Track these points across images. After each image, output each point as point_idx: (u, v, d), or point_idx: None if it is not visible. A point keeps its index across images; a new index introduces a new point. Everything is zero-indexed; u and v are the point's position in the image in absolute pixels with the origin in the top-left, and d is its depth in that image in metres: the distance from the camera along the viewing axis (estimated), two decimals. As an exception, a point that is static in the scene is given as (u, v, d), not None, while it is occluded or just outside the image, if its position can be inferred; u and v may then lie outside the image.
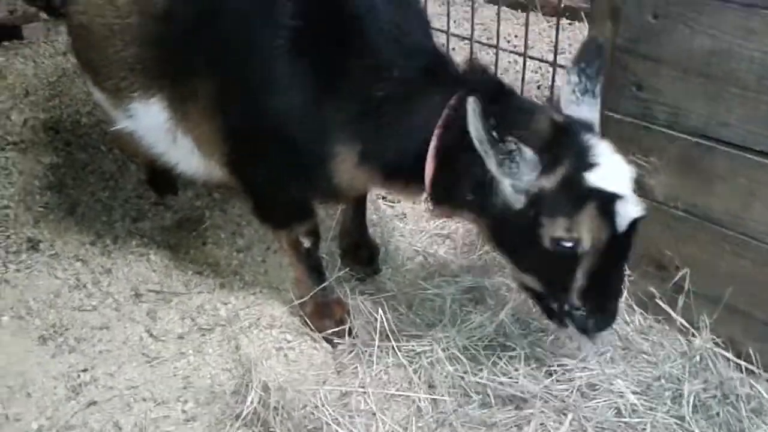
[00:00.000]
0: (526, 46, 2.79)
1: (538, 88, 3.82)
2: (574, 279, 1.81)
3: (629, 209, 1.72)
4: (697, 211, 2.11)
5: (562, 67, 3.12)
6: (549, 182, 1.75)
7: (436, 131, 1.94)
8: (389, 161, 2.05)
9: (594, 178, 1.72)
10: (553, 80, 2.69)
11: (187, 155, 2.31)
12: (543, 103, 1.96)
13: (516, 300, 2.18)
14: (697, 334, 2.09)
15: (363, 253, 2.67)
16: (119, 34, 2.24)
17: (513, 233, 1.87)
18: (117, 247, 2.84)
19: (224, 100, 2.11)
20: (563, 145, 1.76)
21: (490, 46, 3.63)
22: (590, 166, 1.73)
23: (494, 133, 1.70)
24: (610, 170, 1.74)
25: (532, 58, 2.96)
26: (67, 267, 2.74)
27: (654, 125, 2.15)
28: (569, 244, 1.75)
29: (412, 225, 2.89)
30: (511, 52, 3.30)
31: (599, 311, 1.85)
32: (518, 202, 1.80)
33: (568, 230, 1.74)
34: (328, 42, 2.01)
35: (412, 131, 1.99)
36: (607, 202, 1.72)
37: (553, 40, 4.45)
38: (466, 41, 3.22)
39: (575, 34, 4.31)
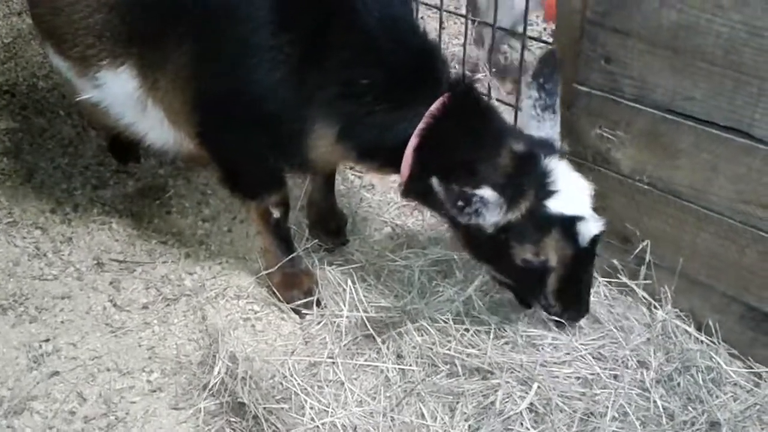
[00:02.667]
0: (495, 19, 2.78)
1: (506, 59, 3.81)
2: (545, 285, 1.98)
3: (590, 228, 1.89)
4: (662, 185, 2.15)
5: (532, 39, 3.14)
6: (514, 215, 1.88)
7: (417, 132, 1.98)
8: (366, 145, 2.07)
9: (555, 206, 1.87)
10: (523, 52, 2.69)
11: (156, 125, 2.25)
12: (508, 127, 2.06)
13: (484, 275, 2.19)
14: (659, 307, 2.14)
15: (331, 223, 2.65)
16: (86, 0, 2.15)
17: (485, 248, 2.01)
18: (78, 216, 2.78)
19: (199, 69, 2.05)
20: (525, 176, 1.89)
21: (459, 15, 3.61)
22: (551, 193, 1.87)
23: (460, 203, 1.80)
24: (569, 195, 1.89)
25: (501, 29, 2.95)
26: (26, 235, 2.67)
27: (622, 99, 2.16)
28: (538, 264, 1.92)
29: (380, 196, 2.88)
30: (480, 22, 3.28)
31: (572, 307, 2.02)
32: (488, 229, 1.91)
33: (535, 254, 1.92)
34: (313, 17, 1.97)
35: (392, 124, 2.01)
36: (568, 225, 1.88)
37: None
38: (435, 10, 3.19)
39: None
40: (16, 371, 2.13)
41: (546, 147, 1.97)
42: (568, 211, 1.87)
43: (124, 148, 2.99)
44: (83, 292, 2.43)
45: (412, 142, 1.99)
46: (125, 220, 2.77)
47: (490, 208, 1.84)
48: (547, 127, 2.02)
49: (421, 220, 2.73)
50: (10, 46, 3.97)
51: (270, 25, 1.96)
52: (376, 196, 2.89)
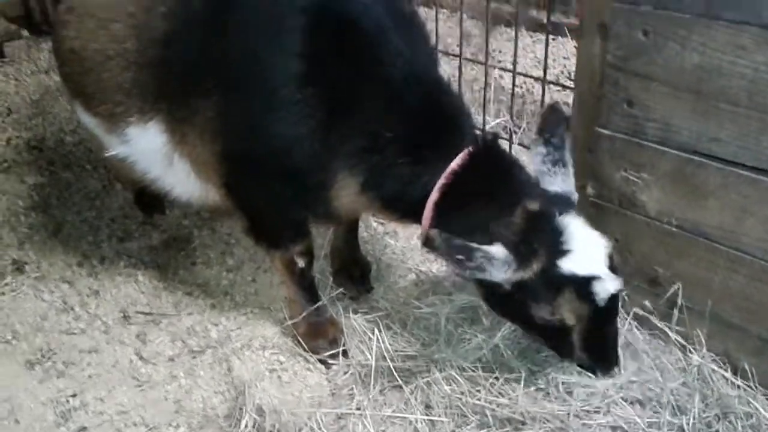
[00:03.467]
0: (515, 63, 2.81)
1: (523, 103, 3.83)
2: (570, 341, 1.96)
3: (606, 286, 1.86)
4: (690, 227, 2.12)
5: (551, 83, 3.16)
6: (527, 273, 1.86)
7: (437, 186, 1.99)
8: (389, 196, 2.08)
9: (568, 266, 1.84)
10: (543, 93, 2.70)
11: (182, 178, 2.28)
12: (528, 182, 2.02)
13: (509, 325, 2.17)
14: (693, 350, 2.09)
15: (355, 271, 2.65)
16: (115, 58, 2.20)
17: (503, 304, 2.00)
18: (104, 268, 2.80)
19: (226, 123, 2.08)
20: (537, 235, 1.86)
21: (478, 62, 3.64)
22: (563, 253, 1.85)
23: (459, 257, 1.79)
24: (584, 254, 1.86)
25: (521, 74, 2.97)
26: (54, 289, 2.69)
27: (645, 141, 2.15)
28: (555, 322, 1.90)
29: (403, 242, 2.87)
30: (501, 69, 3.32)
31: (601, 360, 2.00)
32: (504, 285, 1.90)
33: (551, 313, 1.89)
34: (339, 71, 2.00)
35: (415, 177, 2.02)
36: (583, 285, 1.85)
37: (537, 54, 4.51)
38: (454, 57, 3.23)
39: (558, 49, 4.33)
40: (44, 427, 2.12)
41: (561, 202, 1.95)
42: (582, 270, 1.84)
43: (150, 200, 3.03)
44: (110, 345, 2.43)
45: (433, 196, 1.99)
46: (151, 271, 2.78)
47: (496, 265, 1.81)
48: (559, 181, 2.00)
49: (445, 266, 2.72)
50: (38, 102, 4.08)
51: (296, 79, 1.98)
52: (400, 242, 2.89)
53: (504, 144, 2.50)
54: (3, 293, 2.67)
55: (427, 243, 2.05)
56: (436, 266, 2.73)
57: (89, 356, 2.38)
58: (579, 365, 2.03)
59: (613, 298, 1.89)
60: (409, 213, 2.10)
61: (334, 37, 2.01)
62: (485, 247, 1.80)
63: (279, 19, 2.00)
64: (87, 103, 2.40)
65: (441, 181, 1.99)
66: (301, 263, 2.31)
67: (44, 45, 4.69)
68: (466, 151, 2.01)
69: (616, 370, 2.03)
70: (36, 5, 4.98)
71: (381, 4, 2.05)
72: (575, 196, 2.02)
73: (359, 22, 2.00)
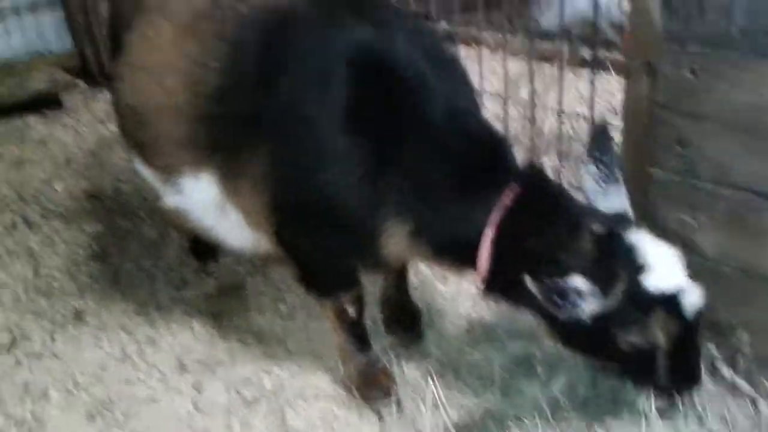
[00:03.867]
0: (561, 103, 2.79)
1: (570, 142, 3.78)
2: (655, 366, 1.87)
3: (693, 300, 1.80)
4: (751, 270, 2.05)
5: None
6: (611, 301, 1.79)
7: (492, 223, 1.95)
8: (440, 242, 2.06)
9: (653, 282, 1.77)
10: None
11: (235, 228, 2.32)
12: (583, 207, 1.99)
13: (569, 372, 2.12)
14: (761, 398, 2.01)
15: (406, 318, 2.64)
16: (169, 112, 2.26)
17: (585, 339, 1.90)
18: (161, 316, 2.86)
19: (276, 174, 2.11)
20: (613, 257, 1.80)
21: (522, 103, 3.62)
22: (643, 269, 1.78)
23: (556, 299, 1.76)
24: (663, 267, 1.79)
25: (567, 113, 2.95)
26: (113, 338, 2.76)
27: (699, 181, 2.11)
28: (645, 346, 1.83)
29: (453, 287, 2.85)
30: (547, 109, 3.30)
31: (685, 380, 1.93)
32: (586, 320, 1.82)
33: (642, 336, 1.81)
34: (384, 120, 2.02)
35: (465, 218, 2.00)
36: (671, 300, 1.78)
37: (580, 90, 4.46)
38: (498, 97, 3.23)
39: (602, 84, 4.28)
40: (105, 480, 2.16)
41: (622, 221, 1.91)
42: (667, 285, 1.77)
43: (204, 248, 3.09)
44: (167, 395, 2.47)
45: (488, 234, 1.96)
46: (206, 319, 2.83)
47: (587, 298, 1.76)
48: (614, 199, 1.97)
49: (497, 310, 2.69)
50: (96, 152, 4.23)
51: (343, 130, 2.01)
52: (450, 287, 2.87)
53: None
54: (65, 343, 2.75)
55: (486, 288, 2.03)
56: (488, 312, 2.69)
57: (147, 407, 2.42)
58: (658, 389, 1.95)
59: (700, 312, 1.83)
60: (461, 257, 2.07)
61: (378, 86, 2.03)
62: (572, 282, 1.76)
63: (324, 72, 2.04)
64: (143, 155, 2.47)
65: (494, 217, 1.96)
66: (351, 311, 2.32)
67: (100, 95, 4.89)
68: (514, 185, 1.98)
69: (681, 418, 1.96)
70: (92, 57, 5.19)
71: (422, 52, 2.07)
72: (631, 212, 1.98)
73: (401, 71, 2.02)
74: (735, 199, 2.04)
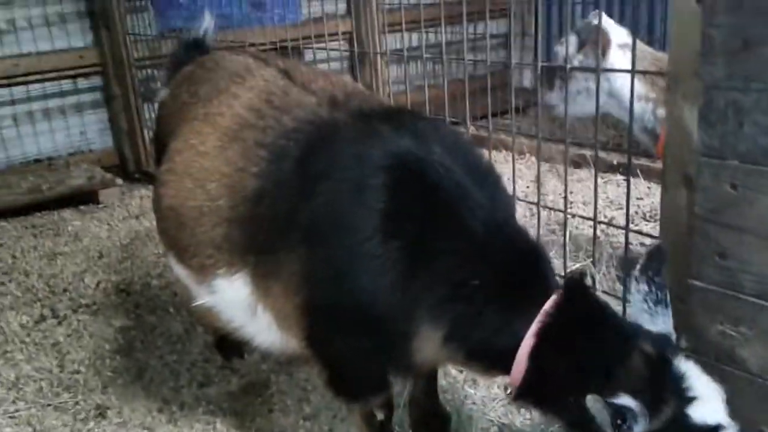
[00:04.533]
0: (596, 210, 2.81)
1: (601, 246, 3.80)
2: None
3: None
4: (798, 386, 1.99)
5: (636, 232, 3.12)
6: (655, 425, 1.75)
7: (532, 332, 1.94)
8: (474, 347, 2.04)
9: (698, 415, 1.75)
10: (627, 245, 2.68)
11: (265, 329, 2.31)
12: (628, 323, 1.96)
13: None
14: None
15: (435, 422, 2.56)
16: (209, 215, 2.31)
17: None
18: (183, 415, 2.80)
19: (309, 277, 2.13)
20: (662, 383, 1.78)
21: (557, 210, 3.65)
22: (690, 400, 1.76)
23: (618, 422, 1.72)
24: (709, 402, 1.77)
25: (603, 222, 2.97)
26: (135, 437, 2.70)
27: (742, 294, 2.08)
28: None
29: (484, 391, 2.78)
30: (582, 217, 3.33)
31: None
32: None
33: None
34: (421, 224, 2.04)
35: (502, 325, 1.99)
36: None
37: (609, 195, 4.51)
38: (530, 204, 3.26)
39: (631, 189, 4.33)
40: None
41: (667, 344, 1.88)
42: (710, 420, 1.74)
43: (230, 345, 3.06)
44: (187, 499, 2.38)
45: (527, 343, 1.94)
46: (229, 418, 2.77)
47: (639, 421, 1.72)
48: (660, 322, 1.94)
49: (529, 418, 2.60)
50: (128, 246, 4.30)
51: (379, 234, 2.02)
52: (480, 391, 2.80)
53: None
54: (86, 439, 2.69)
55: (520, 396, 1.99)
56: (520, 419, 2.61)
57: None
58: None
59: None
60: (497, 363, 2.04)
61: (415, 194, 2.06)
62: (629, 404, 1.72)
63: (362, 179, 2.08)
64: (180, 255, 2.50)
65: (534, 327, 1.94)
66: (380, 416, 2.26)
67: (136, 192, 5.03)
68: (555, 294, 1.98)
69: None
70: (130, 155, 5.39)
71: (459, 161, 2.11)
72: (674, 337, 1.95)
73: (439, 180, 2.05)
74: (779, 312, 2.00)
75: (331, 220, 2.12)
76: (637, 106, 3.26)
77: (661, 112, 3.24)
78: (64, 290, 3.84)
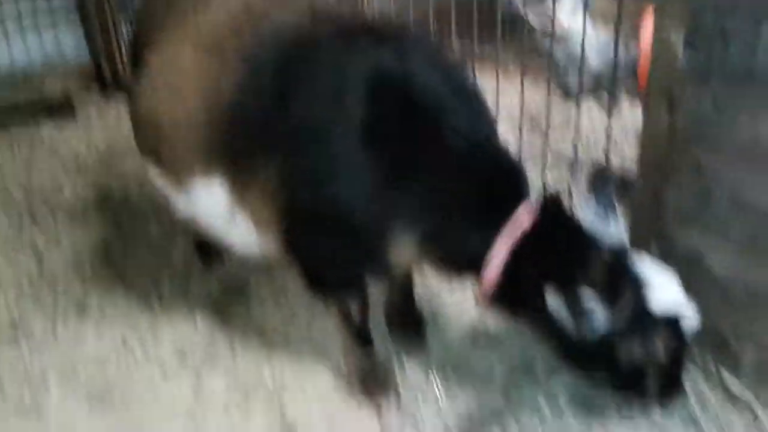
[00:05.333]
0: (577, 127, 2.85)
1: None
2: (647, 379, 1.96)
3: (692, 321, 1.91)
4: (758, 290, 2.07)
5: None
6: (617, 320, 1.88)
7: (504, 241, 2.02)
8: (447, 252, 2.12)
9: (657, 304, 1.88)
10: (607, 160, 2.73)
11: (244, 234, 2.34)
12: (590, 233, 2.06)
13: (569, 374, 2.13)
14: (759, 408, 2.02)
15: (411, 325, 2.65)
16: (185, 123, 2.31)
17: (582, 356, 2.00)
18: (163, 310, 2.86)
19: (287, 184, 2.15)
20: (620, 281, 1.89)
21: (537, 130, 3.68)
22: (648, 292, 1.88)
23: (576, 308, 1.85)
24: (665, 290, 1.90)
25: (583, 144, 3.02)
26: (115, 329, 2.75)
27: (714, 203, 2.13)
28: (646, 363, 1.92)
29: (459, 294, 2.87)
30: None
31: (668, 392, 2.01)
32: (591, 337, 1.91)
33: (644, 354, 1.91)
34: (398, 137, 2.06)
35: (476, 233, 2.06)
36: (673, 322, 1.89)
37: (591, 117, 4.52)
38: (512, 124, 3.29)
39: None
40: (101, 463, 2.14)
41: (623, 249, 2.00)
42: (669, 306, 1.87)
43: (210, 250, 3.10)
44: (167, 384, 2.45)
45: (501, 249, 2.01)
46: (208, 314, 2.83)
47: (599, 316, 1.85)
48: (612, 231, 2.06)
49: (502, 321, 2.70)
50: (106, 158, 4.27)
51: (358, 144, 2.05)
52: (455, 294, 2.89)
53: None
54: (66, 332, 2.74)
55: (490, 299, 2.07)
56: (491, 320, 2.71)
57: (147, 395, 2.41)
58: (645, 399, 2.02)
59: (694, 332, 1.92)
60: (468, 268, 2.12)
61: (395, 106, 2.08)
62: (588, 300, 1.84)
63: (343, 88, 2.09)
64: (157, 162, 2.52)
65: (507, 235, 2.01)
66: (356, 314, 2.34)
67: (113, 103, 4.97)
68: (530, 205, 2.06)
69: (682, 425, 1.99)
70: (106, 66, 5.30)
71: (441, 75, 2.13)
72: (628, 244, 2.08)
73: (420, 93, 2.07)
74: (750, 221, 2.06)
75: (309, 129, 2.13)
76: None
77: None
78: (43, 201, 3.83)
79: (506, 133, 3.74)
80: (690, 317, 1.90)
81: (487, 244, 2.04)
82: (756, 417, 2.02)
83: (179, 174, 2.40)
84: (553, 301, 1.86)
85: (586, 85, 3.09)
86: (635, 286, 1.89)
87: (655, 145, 2.26)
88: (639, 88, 3.65)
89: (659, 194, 2.25)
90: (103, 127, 4.65)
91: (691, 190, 2.17)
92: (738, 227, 2.08)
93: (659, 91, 2.23)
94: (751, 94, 1.97)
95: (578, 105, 3.07)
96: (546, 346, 2.13)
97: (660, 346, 1.90)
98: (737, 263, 2.10)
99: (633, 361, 1.92)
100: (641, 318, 1.88)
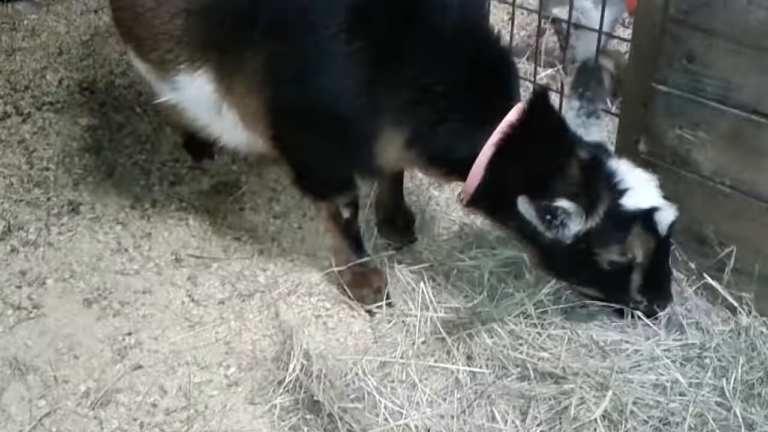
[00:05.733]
0: (570, 14, 2.73)
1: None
2: (631, 282, 2.00)
3: (667, 215, 1.93)
4: (745, 188, 2.07)
5: (608, 35, 3.05)
6: (594, 221, 1.91)
7: (491, 143, 1.98)
8: (436, 153, 2.09)
9: (631, 202, 1.90)
10: (598, 47, 2.63)
11: (231, 128, 2.31)
12: (572, 135, 2.03)
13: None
14: (742, 312, 2.08)
15: (399, 222, 2.67)
16: (165, 5, 2.21)
17: (564, 261, 2.02)
18: (156, 211, 2.87)
19: (273, 74, 2.09)
20: (596, 182, 1.91)
21: (530, 10, 3.55)
22: (623, 191, 1.91)
23: (548, 217, 1.85)
24: (641, 188, 1.93)
25: (576, 25, 2.90)
26: (108, 230, 2.78)
27: (704, 99, 2.09)
28: (625, 263, 1.95)
29: (447, 194, 2.87)
30: (555, 18, 3.23)
31: (658, 298, 2.04)
32: (566, 240, 1.93)
33: (622, 253, 1.94)
34: (388, 24, 1.98)
35: (464, 133, 2.03)
36: (647, 218, 1.91)
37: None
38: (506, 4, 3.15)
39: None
40: (102, 363, 2.23)
41: (603, 150, 2.01)
42: (644, 204, 1.90)
43: (199, 145, 3.07)
44: (163, 287, 2.52)
45: (486, 152, 1.99)
46: (201, 215, 2.85)
47: (573, 219, 1.87)
48: (594, 133, 2.06)
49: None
50: (89, 43, 4.12)
51: (344, 32, 1.97)
52: (444, 193, 2.89)
53: (554, 95, 2.47)
54: (60, 233, 2.76)
55: (472, 202, 2.06)
56: (480, 219, 2.72)
57: (143, 297, 2.47)
58: (634, 309, 2.06)
59: (672, 227, 1.95)
60: (455, 170, 2.11)
61: None
62: (562, 204, 1.85)
63: None
64: (139, 49, 2.42)
65: (495, 138, 1.98)
66: (346, 214, 2.34)
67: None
68: (517, 107, 2.00)
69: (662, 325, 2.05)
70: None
71: None
72: (609, 145, 2.10)
73: None
74: (737, 118, 2.03)
75: (293, 16, 2.05)
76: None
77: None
78: (26, 87, 3.72)
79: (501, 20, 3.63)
80: (665, 210, 1.92)
81: (475, 146, 2.01)
82: (735, 317, 2.08)
83: (162, 62, 2.32)
84: (525, 209, 1.87)
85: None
86: (610, 187, 1.91)
87: (650, 29, 2.17)
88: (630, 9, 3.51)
89: (648, 86, 2.19)
90: (84, 9, 4.45)
91: (681, 81, 2.12)
92: (724, 123, 2.06)
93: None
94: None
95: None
96: (526, 253, 2.18)
97: (636, 244, 1.92)
98: (722, 161, 2.09)
99: (612, 263, 1.94)
100: (616, 218, 1.90)
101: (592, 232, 1.91)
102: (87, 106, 3.55)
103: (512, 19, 3.02)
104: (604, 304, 2.11)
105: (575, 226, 1.88)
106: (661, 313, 2.05)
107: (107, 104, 3.56)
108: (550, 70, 3.29)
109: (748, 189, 2.07)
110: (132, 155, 3.20)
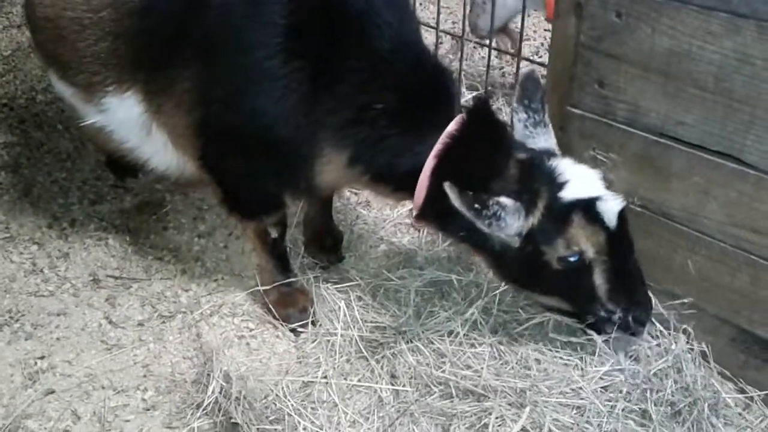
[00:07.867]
0: (491, 38, 2.81)
1: (503, 75, 3.84)
2: (595, 285, 1.95)
3: (610, 204, 1.90)
4: (654, 207, 2.16)
5: (525, 59, 3.16)
6: (535, 217, 1.90)
7: (434, 154, 1.99)
8: (380, 170, 2.08)
9: (569, 194, 1.89)
10: (518, 72, 2.71)
11: (159, 149, 2.26)
12: (515, 141, 2.06)
13: (484, 299, 2.21)
14: (663, 330, 2.13)
15: (327, 240, 2.66)
16: (91, 28, 2.16)
17: (518, 266, 2.00)
18: (74, 231, 2.79)
19: (204, 95, 2.06)
20: (535, 179, 1.91)
21: (455, 35, 3.63)
22: (562, 185, 1.90)
23: (476, 206, 1.84)
24: (580, 181, 1.92)
25: (497, 50, 2.98)
26: (23, 250, 2.68)
27: (614, 122, 2.18)
28: (575, 258, 1.91)
29: (375, 212, 2.89)
30: (477, 43, 3.31)
31: (634, 305, 1.96)
32: (514, 242, 1.93)
33: (568, 247, 1.90)
34: (324, 43, 1.97)
35: (407, 147, 2.03)
36: (588, 207, 1.89)
37: (516, 26, 4.48)
38: (431, 29, 3.22)
39: (540, 21, 4.33)
40: (11, 389, 2.13)
41: (548, 154, 2.02)
42: (583, 194, 1.88)
43: (122, 164, 2.99)
44: (79, 308, 2.44)
45: (429, 164, 1.99)
46: (122, 235, 2.78)
47: (510, 212, 1.86)
48: (542, 141, 2.07)
49: (416, 237, 2.75)
50: (9, 58, 4.00)
51: (280, 53, 1.95)
52: (372, 212, 2.91)
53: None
54: (-29, 253, 2.65)
55: (422, 215, 2.08)
56: (408, 238, 2.75)
57: (58, 319, 2.39)
58: (611, 324, 1.97)
59: (622, 220, 1.91)
60: (401, 186, 2.10)
61: (320, 8, 1.98)
62: (499, 200, 1.85)
63: None
64: (62, 72, 2.36)
65: (436, 149, 1.99)
66: (274, 233, 2.32)
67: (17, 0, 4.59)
68: (457, 119, 2.02)
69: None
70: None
71: None
72: (558, 151, 2.09)
73: None
74: (646, 140, 2.12)
75: (226, 35, 2.02)
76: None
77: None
78: (-59, 104, 3.59)
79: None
80: (608, 200, 1.89)
81: (418, 160, 2.01)
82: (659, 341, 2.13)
83: (89, 85, 2.26)
84: (453, 197, 1.82)
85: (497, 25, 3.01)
86: (549, 183, 1.90)
87: (564, 56, 2.25)
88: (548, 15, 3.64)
89: (564, 110, 2.27)
90: (6, 25, 4.32)
91: (593, 105, 2.20)
92: (634, 145, 2.14)
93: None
94: (651, 4, 1.97)
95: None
96: (483, 263, 2.17)
97: (580, 236, 1.87)
98: (633, 181, 2.18)
99: (564, 261, 1.89)
100: (554, 208, 1.88)
101: (535, 230, 1.90)
102: (5, 123, 3.44)
103: (436, 41, 3.08)
104: (576, 320, 2.06)
105: (514, 221, 1.87)
106: (641, 328, 1.98)
107: (27, 121, 3.45)
108: (474, 93, 3.36)
109: (657, 208, 2.15)
110: (51, 173, 3.10)
